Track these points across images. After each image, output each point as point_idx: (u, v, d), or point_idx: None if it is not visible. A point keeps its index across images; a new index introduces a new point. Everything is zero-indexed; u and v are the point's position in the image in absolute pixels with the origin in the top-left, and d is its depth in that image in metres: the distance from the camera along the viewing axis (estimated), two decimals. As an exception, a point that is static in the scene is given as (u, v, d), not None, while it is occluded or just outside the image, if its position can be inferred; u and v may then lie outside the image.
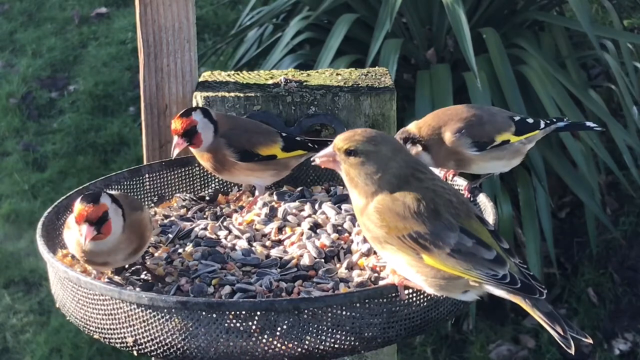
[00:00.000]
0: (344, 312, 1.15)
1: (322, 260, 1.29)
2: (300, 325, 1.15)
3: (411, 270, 1.15)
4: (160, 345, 1.17)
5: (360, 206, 1.17)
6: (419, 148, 1.40)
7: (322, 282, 1.23)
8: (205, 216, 1.45)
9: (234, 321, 1.14)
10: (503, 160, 1.44)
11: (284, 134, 1.48)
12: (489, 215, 1.35)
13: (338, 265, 1.28)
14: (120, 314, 1.19)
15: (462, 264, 1.13)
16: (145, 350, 1.19)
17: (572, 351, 1.14)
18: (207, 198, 1.51)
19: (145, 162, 1.66)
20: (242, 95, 1.63)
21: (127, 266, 1.31)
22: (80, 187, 1.46)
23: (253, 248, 1.32)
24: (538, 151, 2.87)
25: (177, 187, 1.54)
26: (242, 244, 1.34)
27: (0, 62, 4.49)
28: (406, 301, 1.18)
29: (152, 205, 1.50)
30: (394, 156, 1.16)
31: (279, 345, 1.15)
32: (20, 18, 4.74)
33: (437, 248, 1.13)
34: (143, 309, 1.17)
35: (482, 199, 1.39)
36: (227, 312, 1.14)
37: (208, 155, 1.44)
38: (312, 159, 1.22)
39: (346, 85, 1.66)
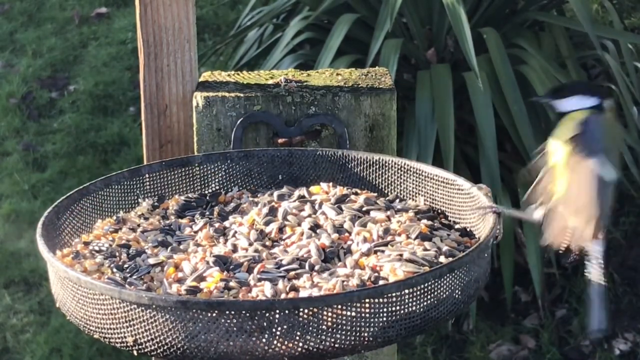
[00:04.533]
0: (344, 312, 1.15)
1: (322, 260, 1.29)
2: (300, 325, 1.15)
3: None
4: (160, 345, 1.17)
5: None
6: None
7: (322, 281, 1.24)
8: (205, 216, 1.45)
9: (234, 321, 1.14)
10: None
11: None
12: (489, 215, 1.35)
13: (338, 265, 1.28)
14: (120, 314, 1.19)
15: None
16: (146, 350, 1.19)
17: None
18: (208, 197, 1.51)
19: (145, 162, 1.66)
20: (242, 95, 1.63)
21: (125, 266, 1.31)
22: (81, 187, 1.45)
23: (254, 247, 1.32)
24: (538, 151, 2.86)
25: (177, 187, 1.54)
26: (242, 243, 1.34)
27: (0, 62, 4.49)
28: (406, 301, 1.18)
29: (151, 208, 1.50)
30: None
31: (279, 344, 1.15)
32: (20, 18, 4.74)
33: None
34: (143, 308, 1.17)
35: (482, 199, 1.39)
36: (227, 312, 1.14)
37: None
38: None
39: (346, 85, 1.66)
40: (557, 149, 1.25)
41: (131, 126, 4.08)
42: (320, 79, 1.69)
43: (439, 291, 1.22)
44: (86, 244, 1.38)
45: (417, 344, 3.08)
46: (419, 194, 1.48)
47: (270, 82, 1.69)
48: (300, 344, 1.15)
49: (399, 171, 1.50)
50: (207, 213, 1.46)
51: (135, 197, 1.51)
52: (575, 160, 1.24)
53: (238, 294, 1.23)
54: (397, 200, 1.46)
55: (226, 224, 1.40)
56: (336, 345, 1.16)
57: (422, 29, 3.23)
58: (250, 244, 1.33)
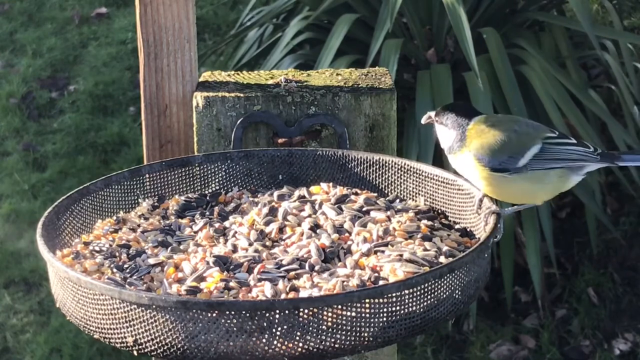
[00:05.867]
0: (344, 312, 1.15)
1: (322, 260, 1.29)
2: (300, 325, 1.15)
3: None
4: (160, 345, 1.17)
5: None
6: None
7: (322, 282, 1.23)
8: (206, 216, 1.45)
9: (234, 321, 1.14)
10: None
11: None
12: (490, 217, 1.35)
13: (338, 265, 1.28)
14: (120, 314, 1.19)
15: None
16: (146, 350, 1.19)
17: None
18: (208, 197, 1.51)
19: (145, 162, 1.66)
20: (242, 95, 1.63)
21: (125, 266, 1.31)
22: (81, 187, 1.45)
23: (254, 248, 1.32)
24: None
25: (177, 187, 1.54)
26: (242, 243, 1.34)
27: (0, 62, 4.49)
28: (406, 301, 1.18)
29: (151, 208, 1.50)
30: None
31: (279, 345, 1.15)
32: (20, 18, 4.74)
33: None
34: (143, 308, 1.17)
35: (484, 200, 1.39)
36: (227, 312, 1.14)
37: None
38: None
39: (346, 85, 1.66)
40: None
41: (131, 126, 4.08)
42: (320, 79, 1.69)
43: (439, 291, 1.22)
44: (86, 244, 1.38)
45: (417, 344, 3.09)
46: (419, 194, 1.48)
47: (270, 82, 1.69)
48: (300, 344, 1.15)
49: (399, 171, 1.49)
50: (207, 213, 1.46)
51: (135, 197, 1.51)
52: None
53: (238, 294, 1.23)
54: (397, 200, 1.46)
55: (226, 224, 1.40)
56: (336, 345, 1.16)
57: (422, 29, 3.23)
58: (250, 244, 1.33)
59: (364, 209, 1.40)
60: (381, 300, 1.17)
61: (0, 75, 4.40)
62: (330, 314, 1.15)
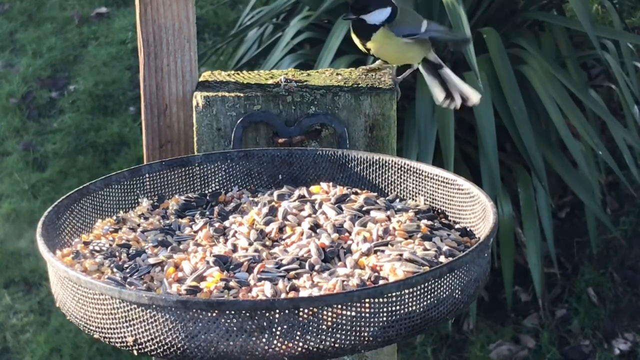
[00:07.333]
0: (344, 312, 1.15)
1: (322, 259, 1.29)
2: (300, 325, 1.15)
3: None
4: (160, 344, 1.17)
5: None
6: None
7: (322, 281, 1.23)
8: (205, 215, 1.45)
9: (234, 320, 1.14)
10: None
11: None
12: (489, 214, 1.34)
13: (338, 265, 1.28)
14: (120, 314, 1.19)
15: None
16: (145, 350, 1.19)
17: None
18: (208, 197, 1.51)
19: (145, 162, 1.66)
20: (242, 95, 1.63)
21: (125, 266, 1.31)
22: (81, 187, 1.45)
23: (254, 247, 1.32)
24: (538, 151, 2.87)
25: (177, 187, 1.54)
26: (242, 243, 1.34)
27: (0, 62, 4.49)
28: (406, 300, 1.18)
29: (151, 208, 1.50)
30: None
31: (278, 344, 1.15)
32: (20, 18, 4.74)
33: None
34: (143, 308, 1.17)
35: (482, 199, 1.39)
36: (227, 312, 1.14)
37: None
38: None
39: (346, 85, 1.66)
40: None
41: (131, 126, 4.08)
42: (320, 79, 1.69)
43: (439, 291, 1.22)
44: (86, 243, 1.38)
45: (417, 343, 3.09)
46: (419, 193, 1.48)
47: (270, 81, 1.69)
48: (300, 344, 1.15)
49: (399, 171, 1.49)
50: (207, 213, 1.45)
51: (135, 197, 1.51)
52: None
53: (238, 293, 1.23)
54: (397, 200, 1.46)
55: (226, 223, 1.40)
56: (336, 345, 1.16)
57: (422, 29, 3.23)
58: (250, 244, 1.33)
59: (364, 208, 1.40)
60: (381, 300, 1.17)
61: (0, 75, 4.40)
62: (330, 314, 1.15)
